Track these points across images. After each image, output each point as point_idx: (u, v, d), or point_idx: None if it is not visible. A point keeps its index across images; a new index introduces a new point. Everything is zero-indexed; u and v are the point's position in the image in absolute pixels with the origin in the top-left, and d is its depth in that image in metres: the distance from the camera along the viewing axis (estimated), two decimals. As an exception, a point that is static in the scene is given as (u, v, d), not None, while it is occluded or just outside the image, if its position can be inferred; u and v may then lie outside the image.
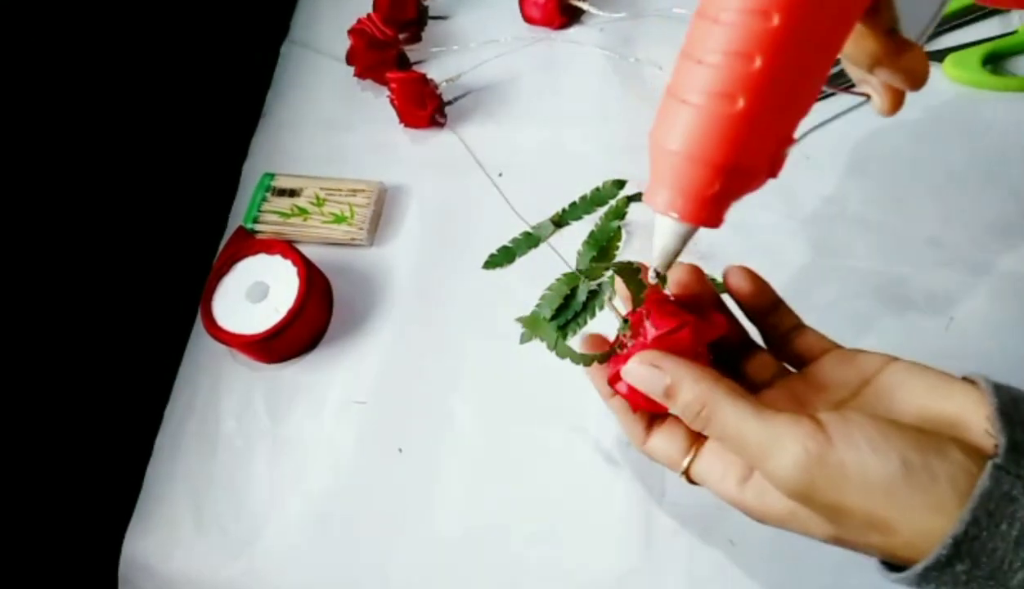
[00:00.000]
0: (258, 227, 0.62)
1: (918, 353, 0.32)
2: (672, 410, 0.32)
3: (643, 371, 0.32)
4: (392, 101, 0.63)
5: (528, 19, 0.67)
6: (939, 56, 0.57)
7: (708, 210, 0.29)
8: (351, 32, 0.66)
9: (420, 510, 0.51)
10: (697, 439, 0.34)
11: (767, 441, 0.28)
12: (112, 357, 0.58)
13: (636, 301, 0.35)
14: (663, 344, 0.33)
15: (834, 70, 0.59)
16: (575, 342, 0.39)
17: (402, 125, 0.65)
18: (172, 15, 0.64)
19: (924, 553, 0.26)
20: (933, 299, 0.51)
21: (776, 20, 0.26)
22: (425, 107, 0.63)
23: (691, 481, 0.34)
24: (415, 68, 0.68)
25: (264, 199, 0.63)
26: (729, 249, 0.50)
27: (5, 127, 0.51)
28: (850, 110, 0.58)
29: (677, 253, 0.31)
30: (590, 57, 0.65)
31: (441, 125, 0.65)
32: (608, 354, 0.36)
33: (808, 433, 0.28)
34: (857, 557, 0.45)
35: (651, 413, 0.35)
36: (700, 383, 0.30)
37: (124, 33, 0.60)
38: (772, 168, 0.29)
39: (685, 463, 0.33)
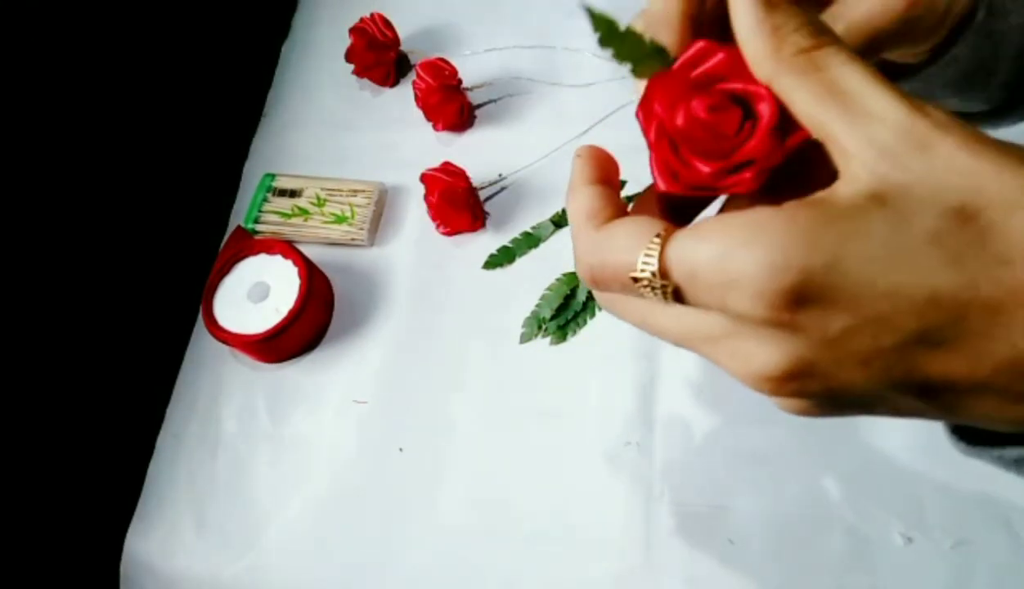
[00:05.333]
0: (259, 227, 0.62)
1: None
2: (777, 19, 0.20)
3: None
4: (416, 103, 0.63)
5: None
6: (938, 57, 0.57)
7: None
8: (352, 30, 0.66)
9: (420, 509, 0.51)
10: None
11: (911, 106, 0.19)
12: (114, 357, 0.58)
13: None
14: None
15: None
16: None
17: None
18: (173, 16, 0.64)
19: None
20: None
21: None
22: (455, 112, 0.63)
23: (663, 276, 0.20)
24: (416, 70, 0.68)
25: (265, 199, 0.63)
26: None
27: (6, 128, 0.52)
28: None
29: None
30: (589, 61, 0.65)
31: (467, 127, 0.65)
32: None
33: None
34: (857, 557, 0.46)
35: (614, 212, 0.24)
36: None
37: (125, 34, 0.60)
38: None
39: (659, 235, 0.20)
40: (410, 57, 0.69)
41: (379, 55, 0.66)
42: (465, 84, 0.63)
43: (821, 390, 0.20)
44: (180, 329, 0.62)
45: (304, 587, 0.51)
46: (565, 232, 0.59)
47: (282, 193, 0.63)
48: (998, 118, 0.33)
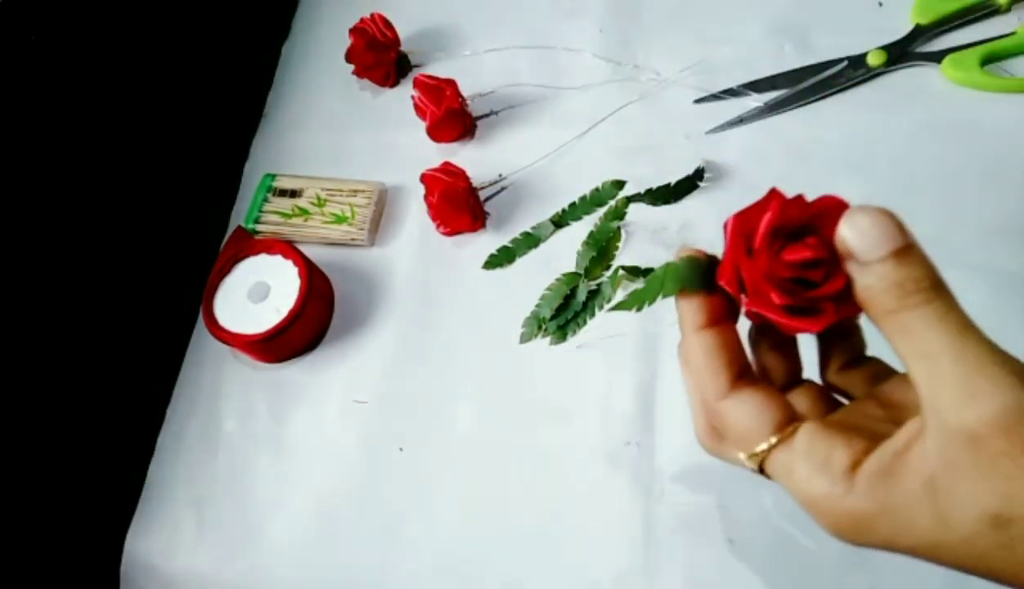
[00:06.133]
0: (259, 227, 0.62)
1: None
2: (871, 280, 0.24)
3: (878, 218, 0.24)
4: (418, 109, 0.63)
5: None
6: (938, 57, 0.57)
7: None
8: (352, 31, 0.66)
9: (421, 509, 0.51)
10: (788, 423, 0.27)
11: (972, 373, 0.21)
12: (114, 357, 0.58)
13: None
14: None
15: (834, 70, 0.59)
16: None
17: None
18: (173, 15, 0.64)
19: None
20: (932, 299, 0.51)
21: None
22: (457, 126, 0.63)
23: (762, 471, 0.27)
24: (416, 71, 0.69)
25: (265, 200, 0.63)
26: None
27: (6, 128, 0.52)
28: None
29: None
30: (589, 62, 0.65)
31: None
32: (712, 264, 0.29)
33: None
34: (857, 557, 0.46)
35: (738, 369, 0.28)
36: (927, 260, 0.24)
37: (125, 34, 0.60)
38: None
39: (771, 441, 0.26)
40: (410, 57, 0.70)
41: (379, 55, 0.66)
42: (464, 92, 0.63)
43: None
44: (180, 329, 0.62)
45: (304, 587, 0.51)
46: (565, 232, 0.59)
47: (282, 193, 0.63)
48: None
